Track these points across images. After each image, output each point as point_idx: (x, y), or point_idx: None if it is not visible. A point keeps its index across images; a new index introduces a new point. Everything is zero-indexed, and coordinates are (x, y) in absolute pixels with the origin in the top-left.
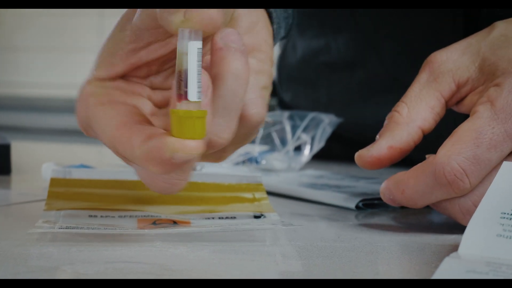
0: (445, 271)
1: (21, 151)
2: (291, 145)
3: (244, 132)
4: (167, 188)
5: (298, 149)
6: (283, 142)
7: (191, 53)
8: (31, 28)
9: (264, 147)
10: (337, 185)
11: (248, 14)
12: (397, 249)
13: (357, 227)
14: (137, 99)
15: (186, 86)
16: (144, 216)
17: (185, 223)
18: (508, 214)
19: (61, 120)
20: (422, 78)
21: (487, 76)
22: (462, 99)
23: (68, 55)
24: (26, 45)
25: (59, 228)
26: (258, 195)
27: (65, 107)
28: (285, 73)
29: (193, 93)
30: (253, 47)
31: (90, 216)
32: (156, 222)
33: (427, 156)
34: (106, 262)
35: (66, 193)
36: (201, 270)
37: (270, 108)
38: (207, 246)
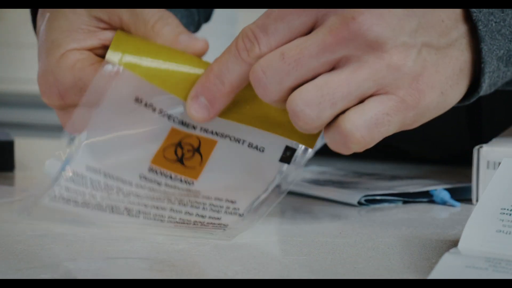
0: (445, 266)
1: (24, 147)
2: None
3: None
4: None
5: None
6: None
7: None
8: None
9: None
10: (340, 181)
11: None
12: (399, 244)
13: (359, 222)
14: None
15: None
16: (181, 122)
17: (211, 143)
18: (507, 209)
19: None
20: None
21: None
22: None
23: None
24: (30, 41)
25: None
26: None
27: None
28: None
29: None
30: None
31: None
32: (181, 143)
33: None
34: (108, 258)
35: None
36: (202, 266)
37: None
38: (209, 242)
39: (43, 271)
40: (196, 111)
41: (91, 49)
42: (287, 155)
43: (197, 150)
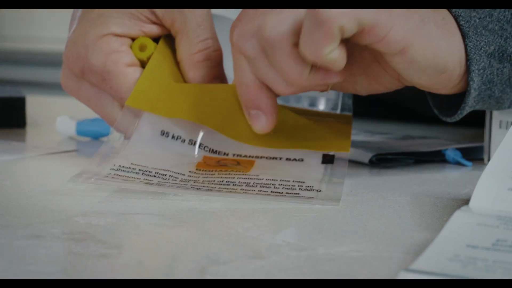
0: (456, 224)
1: (36, 104)
2: (305, 101)
3: None
4: None
5: (313, 105)
6: (297, 97)
7: None
8: None
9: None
10: (352, 140)
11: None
12: (409, 203)
13: (370, 181)
14: None
15: None
16: (211, 150)
17: (249, 162)
18: None
19: None
20: None
21: None
22: None
23: None
24: None
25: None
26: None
27: None
28: None
29: None
30: None
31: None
32: (220, 162)
33: None
34: (118, 214)
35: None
36: (213, 223)
37: None
38: (220, 199)
39: (53, 225)
40: (255, 124)
41: (132, 38)
42: (327, 159)
43: (237, 164)
